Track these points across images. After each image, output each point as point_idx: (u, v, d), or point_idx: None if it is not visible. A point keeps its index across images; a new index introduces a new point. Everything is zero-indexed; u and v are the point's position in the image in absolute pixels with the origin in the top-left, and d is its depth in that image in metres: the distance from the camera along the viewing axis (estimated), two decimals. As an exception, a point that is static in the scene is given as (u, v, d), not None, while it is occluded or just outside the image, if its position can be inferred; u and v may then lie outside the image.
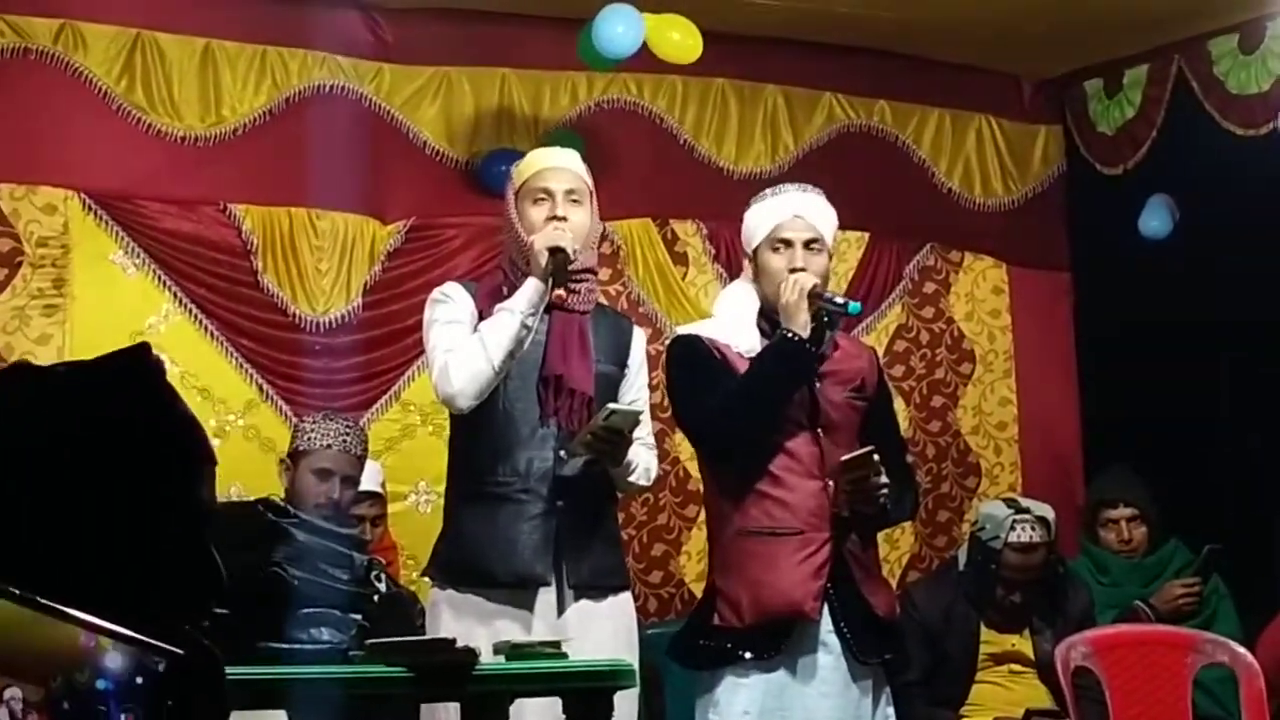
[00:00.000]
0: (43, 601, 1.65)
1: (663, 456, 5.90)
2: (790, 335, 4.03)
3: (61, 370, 1.80)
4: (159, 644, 1.71)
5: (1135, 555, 5.76)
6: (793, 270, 4.10)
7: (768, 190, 4.32)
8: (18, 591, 1.63)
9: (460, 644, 3.34)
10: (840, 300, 4.18)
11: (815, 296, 4.07)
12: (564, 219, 4.04)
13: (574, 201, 4.09)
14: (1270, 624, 5.34)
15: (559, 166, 4.15)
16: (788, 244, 4.14)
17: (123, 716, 1.72)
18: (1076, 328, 6.90)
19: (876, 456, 4.00)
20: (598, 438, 3.93)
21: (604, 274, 6.16)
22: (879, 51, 6.57)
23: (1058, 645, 5.05)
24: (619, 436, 3.96)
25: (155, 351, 1.79)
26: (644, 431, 4.18)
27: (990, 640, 5.27)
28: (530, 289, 3.97)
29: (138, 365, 1.77)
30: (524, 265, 4.04)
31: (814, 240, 4.16)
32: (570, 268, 4.01)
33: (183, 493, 1.79)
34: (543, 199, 4.08)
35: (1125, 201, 6.48)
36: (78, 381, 1.77)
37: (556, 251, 3.96)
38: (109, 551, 1.72)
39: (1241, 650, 4.95)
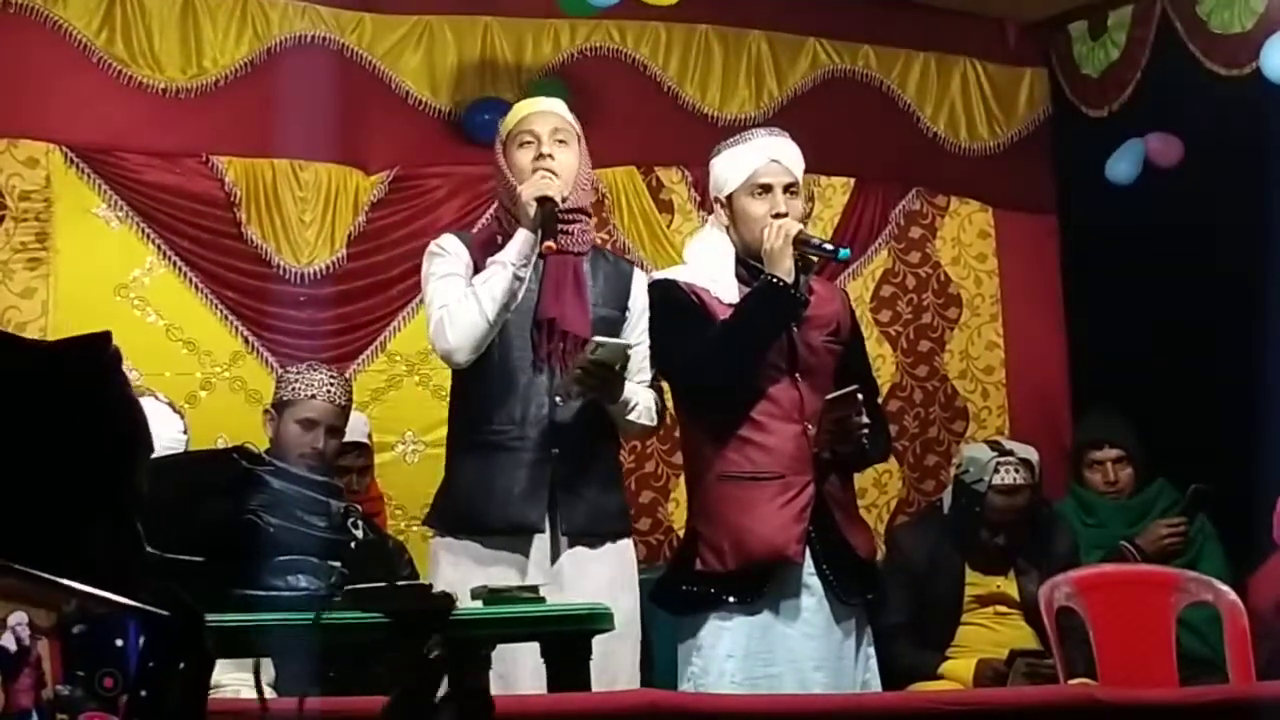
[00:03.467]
0: (29, 570, 1.68)
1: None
2: (775, 280, 4.04)
3: (32, 350, 1.89)
4: (142, 606, 1.73)
5: (1121, 496, 5.78)
6: (776, 216, 4.10)
7: (735, 136, 4.31)
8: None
9: (454, 591, 3.35)
10: (830, 246, 4.19)
11: (802, 242, 4.08)
12: (550, 156, 4.06)
13: (560, 142, 4.12)
14: (1266, 563, 5.35)
15: (543, 110, 4.20)
16: (767, 189, 4.14)
17: (141, 640, 1.74)
18: (1063, 270, 6.90)
19: (860, 396, 4.03)
20: (587, 372, 3.96)
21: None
22: (863, -4, 6.57)
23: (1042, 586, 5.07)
24: (608, 371, 3.98)
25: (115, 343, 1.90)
26: (647, 375, 4.21)
27: (975, 582, 5.29)
28: (520, 240, 4.00)
29: (98, 353, 1.89)
30: (516, 212, 4.06)
31: (792, 184, 4.18)
32: (561, 209, 4.03)
33: (117, 475, 1.90)
34: (529, 142, 4.12)
35: (1111, 143, 6.46)
36: (43, 361, 1.87)
37: (544, 201, 3.98)
38: (41, 517, 1.80)
39: (1225, 588, 4.96)
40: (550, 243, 3.97)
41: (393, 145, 5.95)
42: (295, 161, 5.76)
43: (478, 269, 4.07)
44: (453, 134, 5.92)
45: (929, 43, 6.75)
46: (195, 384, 5.60)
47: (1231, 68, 5.98)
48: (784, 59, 6.52)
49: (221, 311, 5.65)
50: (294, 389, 4.80)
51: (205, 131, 5.68)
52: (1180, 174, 6.26)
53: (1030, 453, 5.30)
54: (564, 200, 4.04)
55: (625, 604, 3.99)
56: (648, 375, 4.23)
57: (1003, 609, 5.29)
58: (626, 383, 4.09)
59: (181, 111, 5.65)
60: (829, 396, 4.05)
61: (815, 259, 4.21)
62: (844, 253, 4.25)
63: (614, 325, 4.18)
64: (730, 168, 4.19)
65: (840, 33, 6.62)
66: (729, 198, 4.19)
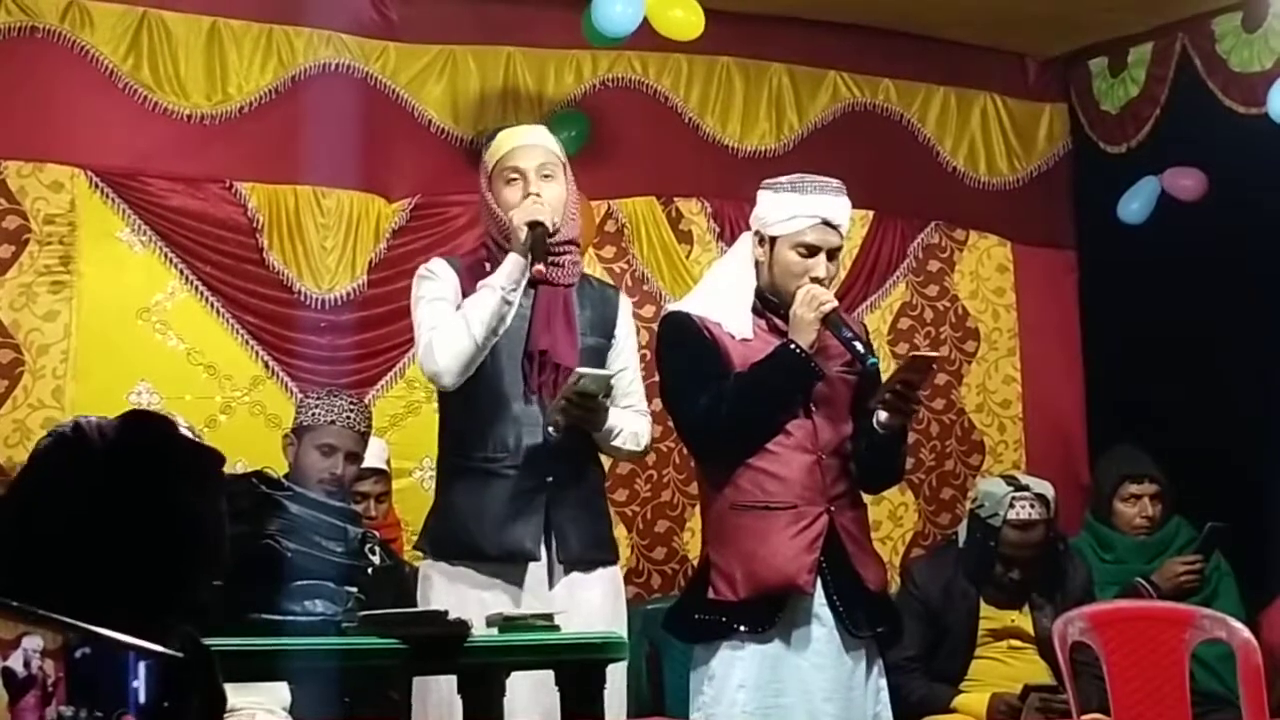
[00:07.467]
0: (40, 612, 1.72)
1: (667, 434, 5.94)
2: (795, 348, 4.04)
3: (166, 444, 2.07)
4: (155, 647, 1.76)
5: (1152, 532, 5.74)
6: (814, 279, 4.10)
7: (794, 178, 4.20)
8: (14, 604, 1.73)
9: (453, 616, 3.37)
10: (860, 347, 4.08)
11: (831, 324, 4.07)
12: (538, 195, 4.07)
13: (546, 177, 4.12)
14: (1277, 601, 5.34)
15: (528, 144, 4.18)
16: (813, 250, 4.12)
17: (142, 666, 1.76)
18: (1081, 305, 6.91)
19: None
20: (571, 403, 3.97)
21: (608, 251, 6.21)
22: (884, 30, 6.58)
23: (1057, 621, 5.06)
24: (592, 401, 3.99)
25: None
26: (635, 399, 4.23)
27: (990, 616, 5.28)
28: (510, 264, 4.00)
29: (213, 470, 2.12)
30: (504, 242, 4.08)
31: (837, 249, 4.18)
32: (550, 240, 4.05)
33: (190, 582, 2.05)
34: (515, 179, 4.12)
35: (1129, 180, 6.48)
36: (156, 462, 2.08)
37: (535, 225, 4.00)
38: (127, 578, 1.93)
39: (1239, 626, 4.94)
40: (540, 266, 4.01)
41: (415, 173, 5.98)
42: (318, 188, 5.79)
43: (466, 295, 4.08)
44: (474, 163, 5.89)
45: (949, 77, 6.78)
46: (215, 408, 5.63)
47: (1251, 105, 6.00)
48: (804, 92, 6.55)
49: (242, 336, 5.68)
50: (314, 414, 4.82)
51: (229, 157, 5.71)
52: (1199, 210, 6.27)
53: (1046, 488, 5.29)
54: (554, 228, 4.06)
55: (616, 627, 4.00)
56: (636, 399, 4.24)
57: (1017, 643, 5.28)
58: (611, 409, 4.10)
59: (206, 137, 5.69)
60: (914, 354, 4.01)
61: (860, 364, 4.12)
62: (873, 361, 4.11)
63: (601, 353, 4.20)
64: (781, 214, 4.15)
65: (861, 66, 6.65)
66: (772, 239, 4.16)
